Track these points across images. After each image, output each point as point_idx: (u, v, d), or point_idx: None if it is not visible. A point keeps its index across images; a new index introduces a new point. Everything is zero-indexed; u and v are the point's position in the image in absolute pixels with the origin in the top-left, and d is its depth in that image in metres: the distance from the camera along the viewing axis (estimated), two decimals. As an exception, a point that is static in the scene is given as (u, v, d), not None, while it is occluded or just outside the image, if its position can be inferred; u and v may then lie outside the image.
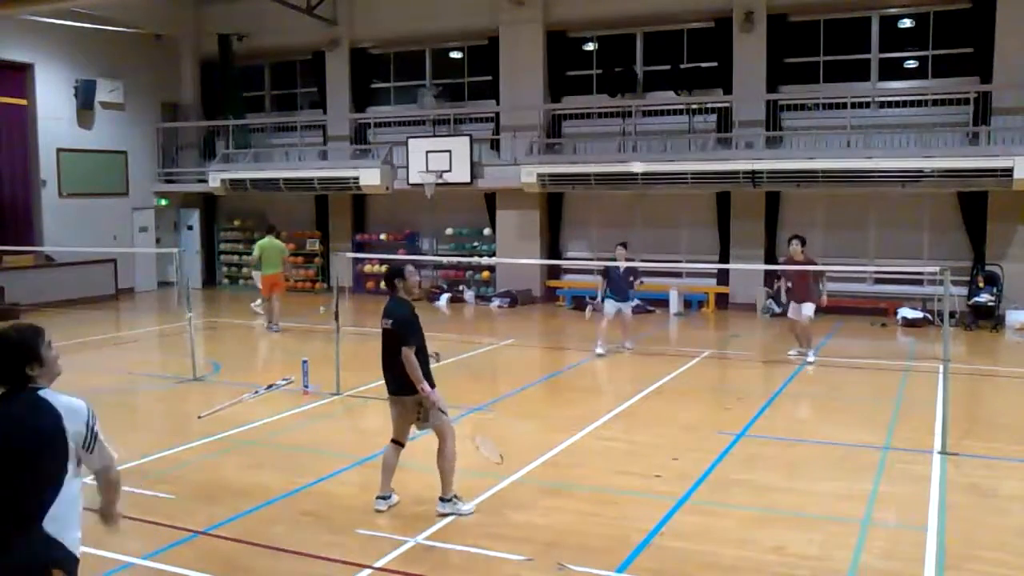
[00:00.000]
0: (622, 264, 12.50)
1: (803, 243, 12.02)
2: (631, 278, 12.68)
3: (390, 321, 6.13)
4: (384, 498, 6.26)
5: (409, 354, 5.95)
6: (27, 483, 3.15)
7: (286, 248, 15.54)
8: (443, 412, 6.17)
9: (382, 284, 6.85)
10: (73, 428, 3.22)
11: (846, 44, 16.90)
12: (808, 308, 11.95)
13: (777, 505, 6.43)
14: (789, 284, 12.33)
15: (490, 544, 5.66)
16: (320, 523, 6.10)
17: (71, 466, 3.22)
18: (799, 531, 5.94)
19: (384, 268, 20.28)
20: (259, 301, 15.73)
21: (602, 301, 12.70)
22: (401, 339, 6.00)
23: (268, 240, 15.16)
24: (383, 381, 6.32)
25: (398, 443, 6.33)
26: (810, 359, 11.95)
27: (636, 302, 13.07)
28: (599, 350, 12.56)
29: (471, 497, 6.31)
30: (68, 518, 3.21)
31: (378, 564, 5.39)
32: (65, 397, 3.27)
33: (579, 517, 6.19)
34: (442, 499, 6.17)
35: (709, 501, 6.54)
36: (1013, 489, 6.85)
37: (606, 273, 12.66)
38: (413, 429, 6.40)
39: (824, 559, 5.45)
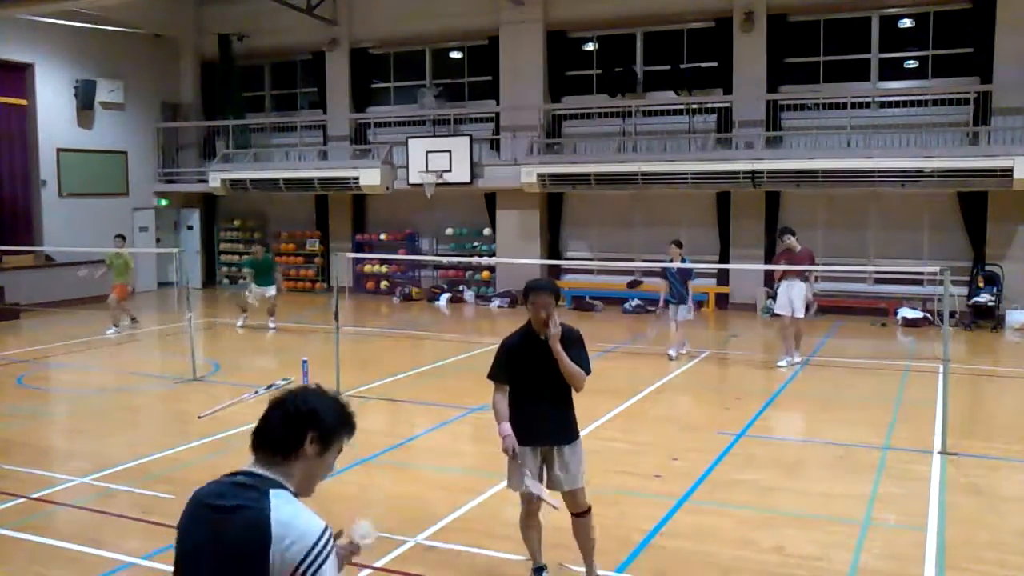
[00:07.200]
0: (675, 264, 12.05)
1: (794, 234, 11.52)
2: (686, 279, 12.25)
3: None
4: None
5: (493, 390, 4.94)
6: None
7: (123, 256, 15.07)
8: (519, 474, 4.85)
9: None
10: None
11: (846, 44, 16.87)
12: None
13: (777, 505, 6.43)
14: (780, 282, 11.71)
15: (490, 544, 5.65)
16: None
17: None
18: (799, 531, 5.94)
19: (383, 267, 20.54)
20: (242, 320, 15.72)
21: (666, 306, 12.25)
22: None
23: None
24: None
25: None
26: (797, 359, 11.66)
27: (689, 306, 12.34)
28: (671, 352, 12.24)
29: (473, 497, 6.30)
30: None
31: (378, 564, 5.38)
32: None
33: (579, 517, 6.17)
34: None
35: (709, 501, 6.53)
36: (1013, 489, 6.85)
37: (665, 274, 12.21)
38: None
39: (824, 559, 5.44)
